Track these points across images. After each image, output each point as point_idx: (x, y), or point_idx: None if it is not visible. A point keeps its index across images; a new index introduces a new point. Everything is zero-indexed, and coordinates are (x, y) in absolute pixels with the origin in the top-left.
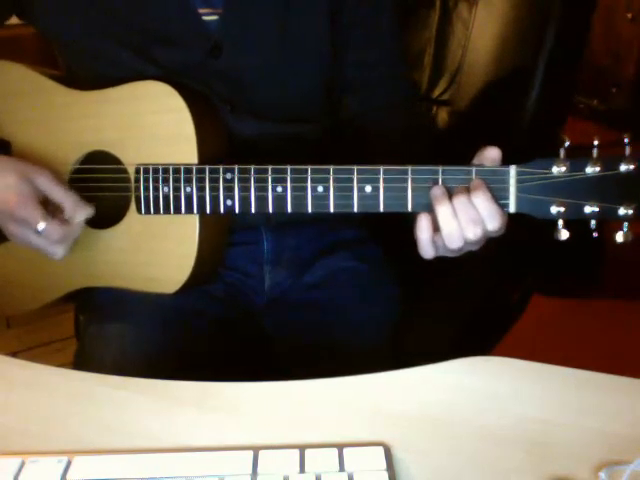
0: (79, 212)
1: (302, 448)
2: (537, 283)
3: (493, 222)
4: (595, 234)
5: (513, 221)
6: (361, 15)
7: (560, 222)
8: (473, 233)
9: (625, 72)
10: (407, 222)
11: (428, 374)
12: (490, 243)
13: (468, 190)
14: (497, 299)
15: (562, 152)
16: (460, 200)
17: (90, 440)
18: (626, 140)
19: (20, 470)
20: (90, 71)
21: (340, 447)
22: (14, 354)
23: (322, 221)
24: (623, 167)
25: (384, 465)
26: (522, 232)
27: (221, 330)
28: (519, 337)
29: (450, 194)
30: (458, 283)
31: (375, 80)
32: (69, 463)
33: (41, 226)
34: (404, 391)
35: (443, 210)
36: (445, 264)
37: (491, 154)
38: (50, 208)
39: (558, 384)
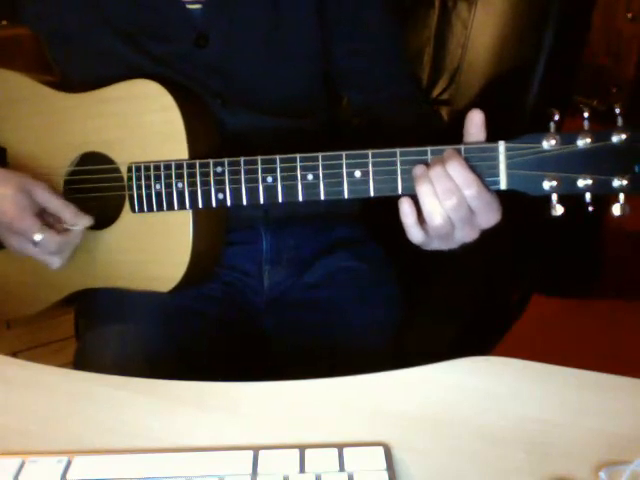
0: (79, 221)
1: (302, 448)
2: (537, 283)
3: (470, 188)
4: (590, 208)
5: (508, 214)
6: (345, 11)
7: (554, 197)
8: (450, 202)
9: (625, 72)
10: None
11: (428, 374)
12: (488, 238)
13: (443, 161)
14: (497, 299)
15: (552, 126)
16: (436, 171)
17: (90, 440)
18: (617, 111)
19: (20, 470)
20: (84, 70)
21: (340, 447)
22: (14, 354)
23: (320, 218)
24: (615, 138)
25: (384, 465)
26: (518, 217)
27: (221, 330)
28: (519, 337)
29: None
30: (458, 283)
31: (372, 70)
32: (69, 463)
33: (38, 237)
34: (404, 391)
35: (423, 189)
36: (445, 264)
37: (475, 118)
38: (48, 219)
39: (558, 384)
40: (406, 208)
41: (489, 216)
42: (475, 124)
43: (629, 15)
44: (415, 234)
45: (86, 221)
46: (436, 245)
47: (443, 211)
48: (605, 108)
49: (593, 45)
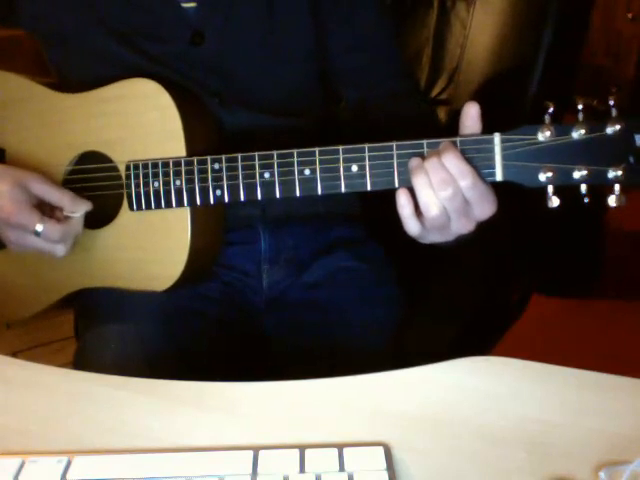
0: (78, 206)
1: (302, 448)
2: (537, 283)
3: (465, 179)
4: (586, 199)
5: (504, 207)
6: (339, 12)
7: (550, 188)
8: (445, 193)
9: (625, 72)
10: None
11: (428, 374)
12: (488, 238)
13: (439, 153)
14: (497, 299)
15: (547, 118)
16: (431, 163)
17: (90, 440)
18: (611, 102)
19: (20, 470)
20: (81, 70)
21: (340, 447)
22: (14, 354)
23: (319, 218)
24: (609, 129)
25: (384, 465)
26: (515, 210)
27: (221, 330)
28: (519, 337)
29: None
30: (458, 283)
31: (368, 68)
32: (69, 463)
33: (39, 228)
34: (404, 391)
35: (419, 181)
36: (445, 264)
37: (470, 111)
38: (46, 210)
39: (558, 384)
40: (403, 200)
41: (484, 207)
42: (471, 117)
43: (629, 15)
44: (412, 226)
45: (85, 206)
46: (433, 237)
47: (439, 202)
48: (605, 108)
49: (593, 45)
